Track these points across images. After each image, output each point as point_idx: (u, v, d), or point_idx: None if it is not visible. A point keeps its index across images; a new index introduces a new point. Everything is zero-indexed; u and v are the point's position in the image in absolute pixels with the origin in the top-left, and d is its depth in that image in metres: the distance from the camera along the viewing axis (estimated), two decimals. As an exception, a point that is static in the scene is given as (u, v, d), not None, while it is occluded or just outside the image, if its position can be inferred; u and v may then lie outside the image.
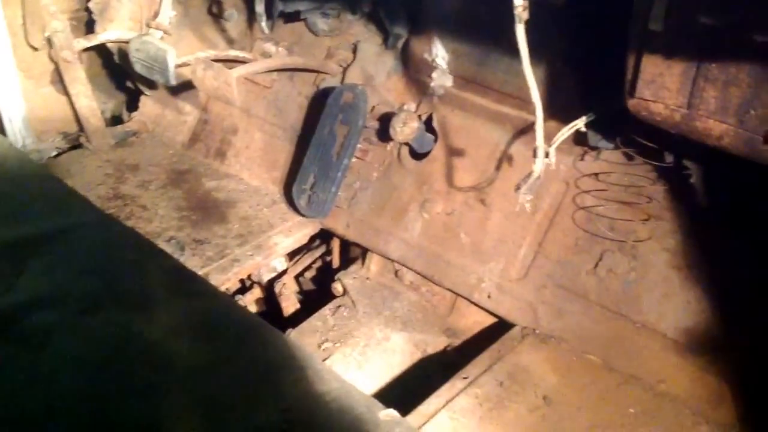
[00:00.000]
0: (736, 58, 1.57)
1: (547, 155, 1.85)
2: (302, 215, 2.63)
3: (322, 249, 2.85)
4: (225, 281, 2.37)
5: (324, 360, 2.24)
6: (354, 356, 2.28)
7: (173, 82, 2.58)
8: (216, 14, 2.89)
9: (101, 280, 1.37)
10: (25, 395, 1.13)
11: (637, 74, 1.75)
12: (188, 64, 2.56)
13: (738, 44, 1.46)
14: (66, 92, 2.98)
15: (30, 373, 1.17)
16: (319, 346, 2.29)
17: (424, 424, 1.89)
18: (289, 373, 1.17)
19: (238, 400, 1.09)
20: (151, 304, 1.30)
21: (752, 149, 1.65)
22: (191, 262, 2.38)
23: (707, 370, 2.01)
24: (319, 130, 2.51)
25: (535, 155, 1.84)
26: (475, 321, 2.38)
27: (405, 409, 1.93)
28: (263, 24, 2.62)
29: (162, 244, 2.40)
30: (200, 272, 2.33)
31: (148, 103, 3.16)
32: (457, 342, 2.35)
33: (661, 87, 1.72)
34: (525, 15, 1.65)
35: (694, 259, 2.05)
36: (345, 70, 2.63)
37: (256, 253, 2.48)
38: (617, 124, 2.02)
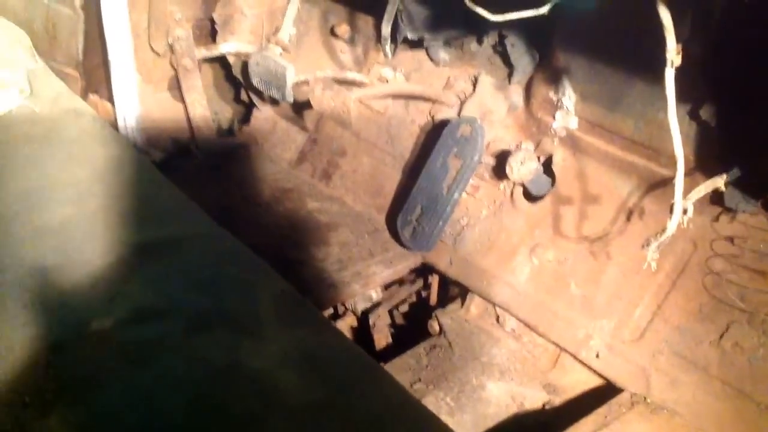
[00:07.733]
0: None
1: (685, 212, 1.69)
2: (405, 247, 2.54)
3: (419, 284, 2.74)
4: (320, 306, 2.29)
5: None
6: (446, 401, 2.15)
7: (290, 99, 2.57)
8: (336, 35, 2.86)
9: (210, 298, 1.30)
10: (123, 413, 1.07)
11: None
12: (305, 83, 2.53)
13: None
14: (182, 99, 3.01)
15: (130, 391, 1.11)
16: (411, 386, 2.18)
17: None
18: (399, 425, 1.07)
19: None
20: (259, 329, 1.23)
21: None
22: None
23: None
24: (432, 161, 2.42)
25: (671, 211, 1.68)
26: (579, 380, 2.22)
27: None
28: (387, 48, 2.57)
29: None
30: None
31: (259, 118, 3.15)
32: (557, 400, 2.19)
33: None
34: (678, 60, 1.53)
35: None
36: (463, 102, 2.54)
37: (354, 280, 2.39)
38: (762, 184, 1.86)
